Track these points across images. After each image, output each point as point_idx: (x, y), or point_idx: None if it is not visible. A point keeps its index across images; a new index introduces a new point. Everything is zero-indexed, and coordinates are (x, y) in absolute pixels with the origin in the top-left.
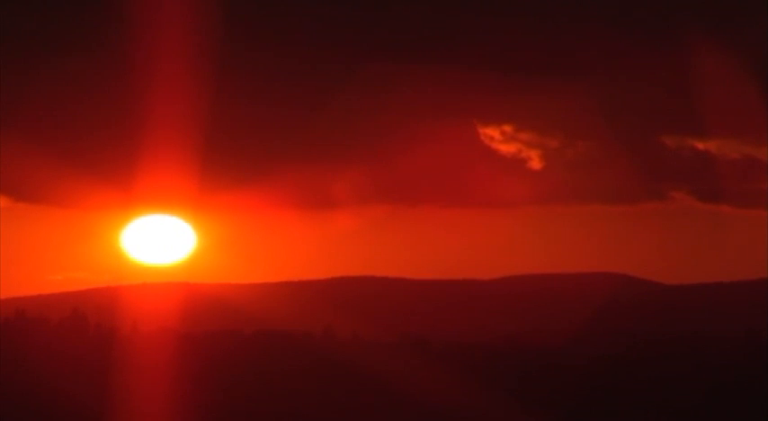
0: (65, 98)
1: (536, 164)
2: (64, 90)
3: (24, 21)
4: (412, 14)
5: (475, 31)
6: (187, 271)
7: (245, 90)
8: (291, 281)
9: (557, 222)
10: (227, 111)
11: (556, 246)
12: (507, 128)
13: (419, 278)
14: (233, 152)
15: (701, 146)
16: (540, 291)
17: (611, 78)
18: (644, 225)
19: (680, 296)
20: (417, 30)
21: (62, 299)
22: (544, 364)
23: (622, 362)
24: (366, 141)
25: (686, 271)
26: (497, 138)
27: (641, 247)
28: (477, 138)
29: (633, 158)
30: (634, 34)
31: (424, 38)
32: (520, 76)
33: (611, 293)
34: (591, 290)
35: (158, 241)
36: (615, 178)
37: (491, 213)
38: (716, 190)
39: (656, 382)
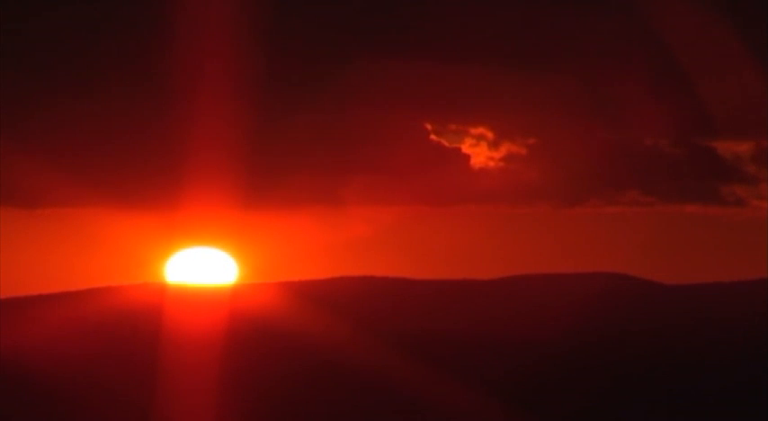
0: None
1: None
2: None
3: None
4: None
5: (460, 24)
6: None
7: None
8: (291, 281)
9: (556, 222)
10: (239, 118)
11: (555, 246)
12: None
13: (419, 278)
14: (237, 152)
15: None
16: (540, 290)
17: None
18: (643, 225)
19: (680, 296)
20: (421, 28)
21: (63, 298)
22: (544, 364)
23: (622, 362)
24: (364, 142)
25: (686, 271)
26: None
27: (640, 248)
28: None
29: (632, 159)
30: (596, 29)
31: (427, 36)
32: (519, 76)
33: (611, 293)
34: (591, 290)
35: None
36: (613, 178)
37: (490, 213)
38: (714, 191)
39: (656, 382)
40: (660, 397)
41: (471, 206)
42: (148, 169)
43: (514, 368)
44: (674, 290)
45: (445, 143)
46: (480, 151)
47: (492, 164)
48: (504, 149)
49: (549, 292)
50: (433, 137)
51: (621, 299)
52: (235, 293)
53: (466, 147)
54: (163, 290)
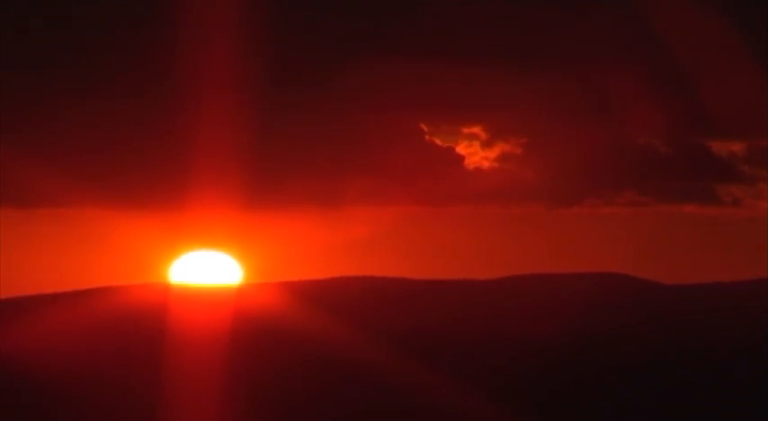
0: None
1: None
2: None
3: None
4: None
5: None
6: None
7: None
8: (292, 281)
9: (554, 223)
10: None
11: (554, 246)
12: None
13: (419, 278)
14: (237, 154)
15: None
16: (540, 290)
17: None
18: (639, 225)
19: (678, 296)
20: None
21: (66, 298)
22: (543, 364)
23: (621, 362)
24: (363, 144)
25: (683, 271)
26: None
27: (637, 248)
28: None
29: (628, 159)
30: (592, 28)
31: (429, 34)
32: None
33: (609, 293)
34: (590, 289)
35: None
36: (610, 179)
37: (489, 214)
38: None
39: (655, 381)
40: (659, 396)
41: (471, 206)
42: (153, 172)
43: (514, 368)
44: (672, 289)
45: (443, 144)
46: (478, 152)
47: (490, 164)
48: (501, 150)
49: (549, 292)
50: (430, 138)
51: (620, 298)
52: (236, 293)
53: (464, 148)
54: (166, 289)
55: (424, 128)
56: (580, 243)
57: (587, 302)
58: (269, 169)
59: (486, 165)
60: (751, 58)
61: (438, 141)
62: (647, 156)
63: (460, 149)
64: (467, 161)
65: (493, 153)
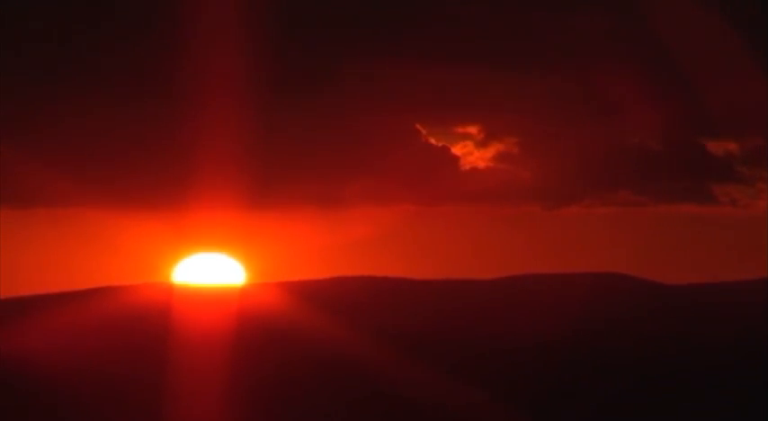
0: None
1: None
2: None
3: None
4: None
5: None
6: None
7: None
8: (291, 281)
9: (553, 222)
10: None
11: (553, 246)
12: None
13: (419, 278)
14: (236, 156)
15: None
16: (540, 290)
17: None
18: (636, 225)
19: (680, 296)
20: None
21: (66, 298)
22: (543, 363)
23: (621, 362)
24: (362, 145)
25: (681, 271)
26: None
27: (635, 248)
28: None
29: (625, 159)
30: (588, 28)
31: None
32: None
33: (609, 292)
34: (590, 289)
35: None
36: (607, 179)
37: (490, 213)
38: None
39: (654, 382)
40: (657, 396)
41: (470, 206)
42: (155, 174)
43: (512, 367)
44: (670, 289)
45: (442, 144)
46: (478, 152)
47: (489, 164)
48: (497, 150)
49: (549, 292)
50: (429, 138)
51: (618, 298)
52: (238, 293)
53: (463, 148)
54: (168, 289)
55: (421, 129)
56: (578, 243)
57: (586, 302)
58: (269, 171)
59: (481, 164)
60: (749, 57)
61: (434, 141)
62: (644, 156)
63: (456, 150)
64: (469, 161)
65: (488, 153)
